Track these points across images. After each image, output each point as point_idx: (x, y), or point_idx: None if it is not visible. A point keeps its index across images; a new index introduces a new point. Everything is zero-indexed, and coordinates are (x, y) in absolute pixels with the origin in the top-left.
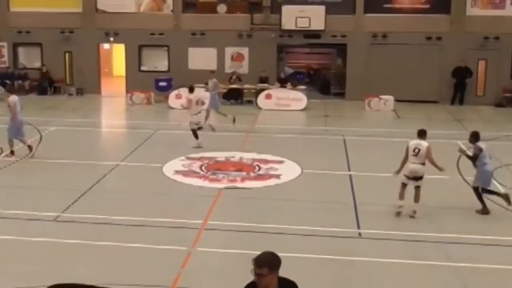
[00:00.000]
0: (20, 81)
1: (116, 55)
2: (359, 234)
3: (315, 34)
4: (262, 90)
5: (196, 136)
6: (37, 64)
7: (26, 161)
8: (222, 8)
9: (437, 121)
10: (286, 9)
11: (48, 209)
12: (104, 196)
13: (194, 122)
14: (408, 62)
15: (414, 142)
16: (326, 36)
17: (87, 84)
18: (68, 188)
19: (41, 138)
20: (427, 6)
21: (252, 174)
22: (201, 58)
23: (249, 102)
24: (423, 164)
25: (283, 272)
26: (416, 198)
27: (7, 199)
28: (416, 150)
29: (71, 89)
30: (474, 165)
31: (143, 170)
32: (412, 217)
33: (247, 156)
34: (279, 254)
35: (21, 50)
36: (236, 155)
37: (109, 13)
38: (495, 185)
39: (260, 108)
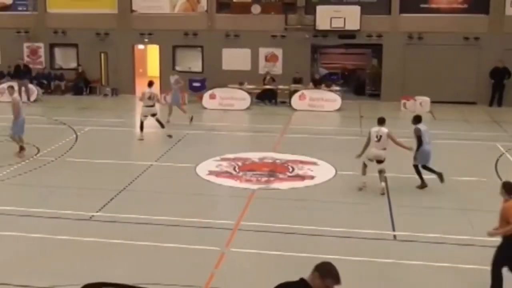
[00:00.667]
0: (56, 82)
1: (151, 56)
2: (394, 236)
3: (350, 35)
4: (296, 90)
5: (141, 129)
6: (73, 65)
7: (61, 161)
8: (256, 8)
9: (475, 123)
10: (320, 9)
11: (83, 209)
12: (138, 196)
13: (143, 114)
14: (445, 62)
15: (375, 130)
16: (361, 36)
17: (121, 85)
18: (103, 188)
19: (76, 138)
20: (465, 6)
21: (285, 175)
22: (235, 58)
23: (283, 102)
24: (385, 149)
25: None
26: (381, 179)
27: (43, 198)
28: (378, 137)
29: (106, 90)
30: (418, 146)
31: (176, 171)
32: (382, 194)
33: (281, 157)
34: (313, 256)
35: (57, 51)
36: (270, 156)
37: (144, 14)
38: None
39: (293, 109)
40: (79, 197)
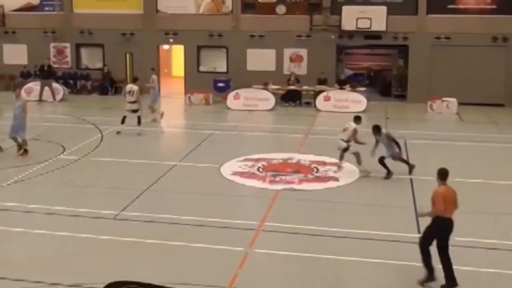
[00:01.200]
0: (82, 81)
1: (175, 56)
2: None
3: (376, 35)
4: (320, 91)
5: (122, 122)
6: (99, 65)
7: (86, 160)
8: (281, 9)
9: (504, 124)
10: (346, 10)
11: (107, 208)
12: (162, 196)
13: (126, 109)
14: (473, 63)
15: (348, 123)
16: (387, 37)
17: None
18: (127, 187)
19: (102, 137)
20: (493, 6)
21: (309, 176)
22: (259, 59)
23: (308, 103)
24: (348, 141)
25: (340, 275)
26: (358, 162)
27: (68, 197)
28: (345, 127)
29: None
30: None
31: (200, 171)
32: (367, 176)
33: (305, 158)
34: (337, 258)
35: (83, 51)
36: (294, 157)
37: (169, 15)
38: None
39: (318, 110)
40: (104, 196)
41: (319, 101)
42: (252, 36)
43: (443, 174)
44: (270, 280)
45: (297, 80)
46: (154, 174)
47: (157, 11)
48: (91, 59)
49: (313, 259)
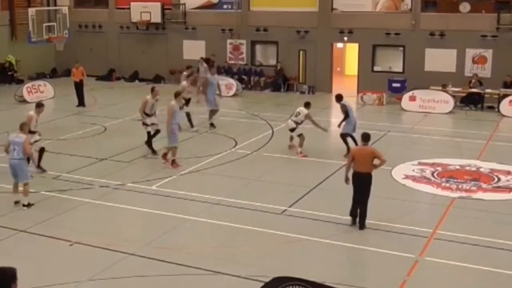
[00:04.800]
0: (256, 78)
1: (349, 54)
2: None
3: None
4: (506, 95)
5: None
6: (272, 62)
7: (257, 155)
8: (465, 7)
9: None
10: None
11: (275, 203)
12: (330, 195)
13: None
14: None
15: (299, 108)
16: None
17: (319, 83)
18: (296, 184)
19: (272, 133)
20: None
21: (490, 185)
22: (439, 59)
23: (490, 108)
24: (296, 122)
25: None
26: (299, 144)
27: (237, 190)
28: (296, 113)
29: (303, 87)
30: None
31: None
32: (304, 156)
33: (485, 165)
34: None
35: (258, 48)
36: (473, 164)
37: (345, 12)
38: None
39: (502, 115)
40: (272, 191)
41: (504, 105)
42: (431, 35)
43: (365, 137)
44: None
45: (480, 82)
46: (323, 173)
47: (332, 9)
48: (265, 56)
49: (486, 273)
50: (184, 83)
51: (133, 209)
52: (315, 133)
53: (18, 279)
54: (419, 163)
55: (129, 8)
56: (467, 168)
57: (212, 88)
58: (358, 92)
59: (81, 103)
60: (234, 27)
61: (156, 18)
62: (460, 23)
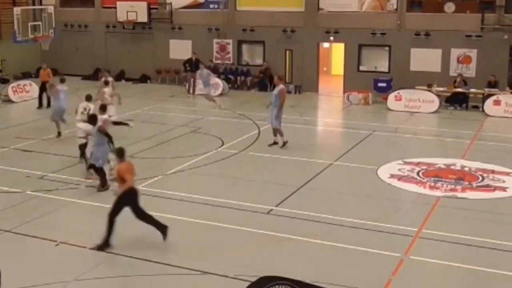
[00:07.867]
0: (242, 77)
1: (335, 54)
2: None
3: None
4: (490, 95)
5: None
6: (259, 61)
7: (244, 154)
8: (450, 7)
9: None
10: None
11: (262, 202)
12: (317, 194)
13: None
14: None
15: (83, 104)
16: None
17: (305, 82)
18: (282, 183)
19: (259, 133)
20: None
21: (474, 184)
22: (424, 59)
23: (475, 107)
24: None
25: None
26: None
27: (224, 189)
28: (87, 110)
29: (290, 87)
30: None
31: (356, 171)
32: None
33: (470, 164)
34: (498, 272)
35: (244, 47)
36: (457, 163)
37: (331, 12)
38: None
39: (486, 115)
40: (259, 190)
41: (488, 105)
42: (417, 34)
43: (120, 153)
44: None
45: (464, 82)
46: (310, 172)
47: (319, 9)
48: (251, 56)
49: (471, 271)
50: (104, 89)
51: None
52: (303, 132)
53: (1, 278)
54: (405, 163)
55: (115, 8)
56: (452, 167)
57: (206, 80)
58: (344, 91)
59: (41, 104)
60: (220, 27)
61: (143, 17)
62: (445, 23)
